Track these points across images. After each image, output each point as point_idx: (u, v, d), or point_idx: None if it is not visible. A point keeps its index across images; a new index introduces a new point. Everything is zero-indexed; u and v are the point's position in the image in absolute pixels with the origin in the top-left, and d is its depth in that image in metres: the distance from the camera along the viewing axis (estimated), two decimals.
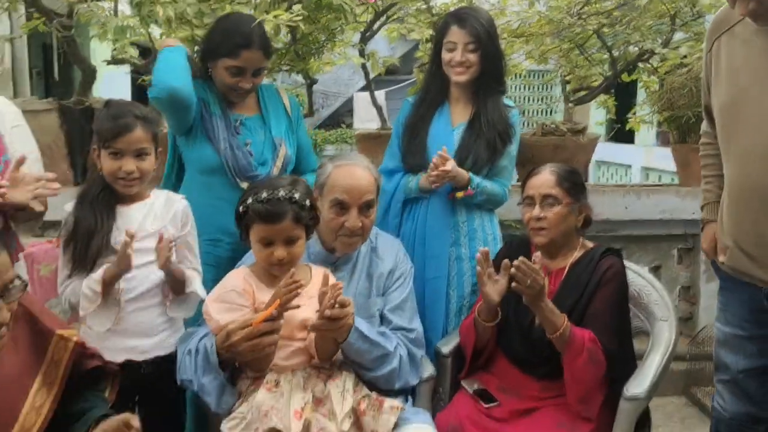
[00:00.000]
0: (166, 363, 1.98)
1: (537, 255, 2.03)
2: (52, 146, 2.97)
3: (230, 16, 2.38)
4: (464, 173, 2.41)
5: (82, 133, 3.15)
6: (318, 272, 1.95)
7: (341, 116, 14.40)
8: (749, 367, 1.97)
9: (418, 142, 2.50)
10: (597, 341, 1.95)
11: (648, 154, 10.05)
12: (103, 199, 1.97)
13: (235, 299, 1.84)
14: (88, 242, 1.92)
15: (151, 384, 1.99)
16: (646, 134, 9.42)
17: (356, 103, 9.44)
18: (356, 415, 1.84)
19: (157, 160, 2.03)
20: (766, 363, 1.95)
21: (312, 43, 2.86)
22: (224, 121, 2.35)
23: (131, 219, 1.98)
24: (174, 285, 2.01)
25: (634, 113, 3.93)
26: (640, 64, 3.45)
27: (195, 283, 2.04)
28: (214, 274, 2.14)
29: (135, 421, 1.51)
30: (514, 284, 1.95)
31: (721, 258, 1.96)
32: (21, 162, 1.83)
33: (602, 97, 3.83)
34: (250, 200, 1.85)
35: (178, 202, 2.07)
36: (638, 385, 1.96)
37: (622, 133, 6.02)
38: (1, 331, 1.38)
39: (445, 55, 2.45)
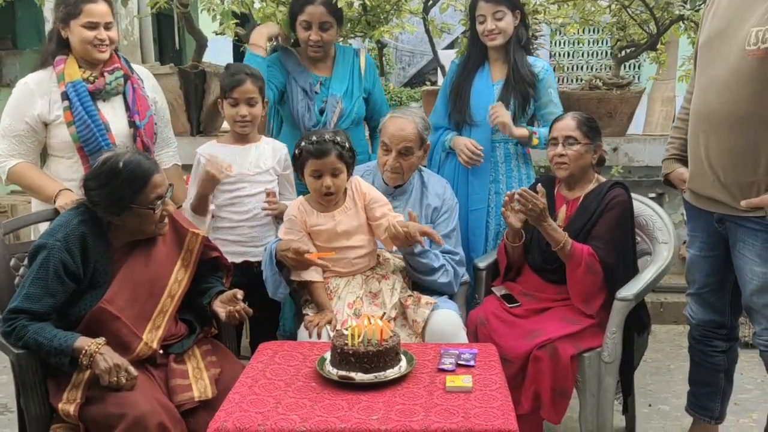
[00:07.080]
0: None
1: (539, 187, 2.46)
2: (173, 103, 3.66)
3: None
4: (523, 131, 2.85)
5: (197, 92, 3.82)
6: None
7: (427, 74, 14.68)
8: (708, 282, 2.37)
9: (462, 99, 2.93)
10: (595, 255, 2.41)
11: None
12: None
13: (292, 225, 2.41)
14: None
15: (260, 284, 2.47)
16: None
17: (440, 61, 9.83)
18: (402, 307, 2.40)
19: (264, 109, 2.61)
20: (718, 278, 2.34)
21: (380, 13, 3.37)
22: (303, 87, 2.87)
23: (247, 156, 2.58)
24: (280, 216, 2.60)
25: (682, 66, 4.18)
26: (683, 23, 3.73)
27: None
28: None
29: (240, 293, 2.14)
30: (518, 207, 2.43)
31: (682, 186, 2.33)
32: None
33: (652, 53, 4.12)
34: (303, 143, 2.37)
35: (282, 149, 2.66)
36: (629, 289, 2.41)
37: None
38: (166, 220, 2.04)
39: (478, 27, 2.87)
